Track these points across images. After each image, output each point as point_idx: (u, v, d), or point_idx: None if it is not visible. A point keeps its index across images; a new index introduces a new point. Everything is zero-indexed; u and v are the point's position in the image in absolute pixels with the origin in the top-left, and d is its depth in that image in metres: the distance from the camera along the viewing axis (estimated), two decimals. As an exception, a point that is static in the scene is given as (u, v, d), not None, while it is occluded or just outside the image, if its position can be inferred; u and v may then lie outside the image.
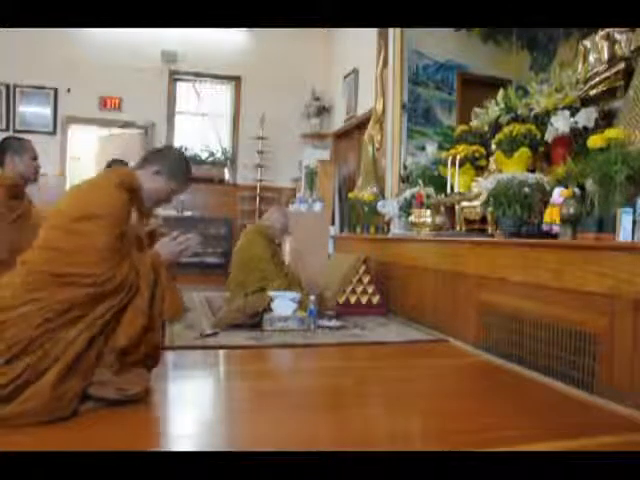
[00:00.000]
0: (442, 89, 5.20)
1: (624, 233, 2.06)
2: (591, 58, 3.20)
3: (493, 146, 3.28)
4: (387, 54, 5.26)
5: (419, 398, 2.10)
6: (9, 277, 1.72)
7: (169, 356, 2.46)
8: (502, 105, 3.45)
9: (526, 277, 2.50)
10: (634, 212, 2.06)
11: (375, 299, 3.91)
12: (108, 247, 1.70)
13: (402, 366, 2.59)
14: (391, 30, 5.12)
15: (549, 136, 2.96)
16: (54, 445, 1.44)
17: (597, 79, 3.04)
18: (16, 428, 1.52)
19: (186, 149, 7.08)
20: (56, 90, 6.68)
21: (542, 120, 3.11)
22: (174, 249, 1.96)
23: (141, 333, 1.78)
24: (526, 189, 2.75)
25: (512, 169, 3.02)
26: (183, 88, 7.27)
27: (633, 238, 2.04)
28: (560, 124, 2.87)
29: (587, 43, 3.27)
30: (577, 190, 2.40)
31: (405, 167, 4.74)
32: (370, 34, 5.77)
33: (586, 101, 3.01)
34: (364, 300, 3.89)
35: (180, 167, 2.01)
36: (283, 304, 3.22)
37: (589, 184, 2.33)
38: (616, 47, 3.01)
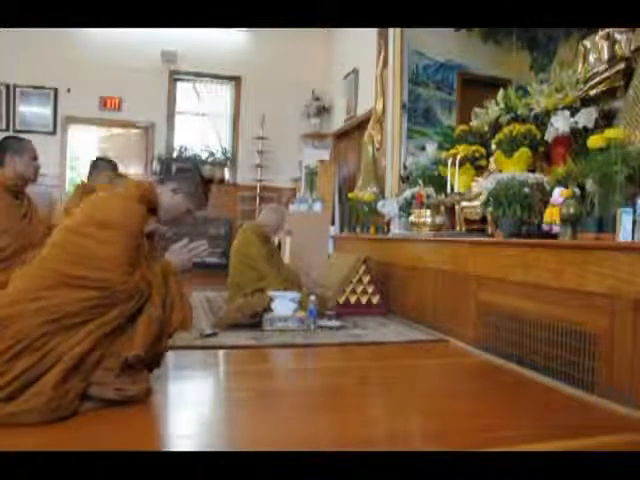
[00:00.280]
0: (442, 89, 5.20)
1: (624, 233, 2.06)
2: (591, 58, 3.20)
3: (493, 146, 3.28)
4: (387, 54, 5.26)
5: (419, 398, 2.10)
6: (22, 271, 1.75)
7: (169, 356, 2.45)
8: (502, 105, 3.45)
9: (526, 277, 2.50)
10: (634, 212, 2.06)
11: (375, 299, 3.91)
12: (123, 256, 1.73)
13: (402, 366, 2.59)
14: (391, 30, 5.13)
15: (549, 136, 2.96)
16: (54, 445, 1.44)
17: (597, 79, 3.03)
18: (16, 428, 1.51)
19: (186, 149, 7.09)
20: (56, 90, 6.68)
21: (542, 120, 3.11)
22: (184, 257, 1.98)
23: (155, 342, 1.79)
24: (526, 189, 2.75)
25: (512, 169, 3.02)
26: (183, 88, 7.28)
27: (633, 238, 2.04)
28: (560, 124, 2.87)
29: (587, 43, 3.27)
30: (577, 190, 2.40)
31: (405, 167, 4.74)
32: (370, 34, 5.77)
33: (586, 101, 3.01)
34: (364, 300, 3.89)
35: (198, 190, 2.05)
36: (283, 304, 3.22)
37: (589, 184, 2.33)
38: (616, 47, 3.01)
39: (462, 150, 3.63)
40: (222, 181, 7.14)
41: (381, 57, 5.50)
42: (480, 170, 3.66)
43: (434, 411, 1.92)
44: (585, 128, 2.81)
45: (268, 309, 3.21)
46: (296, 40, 7.11)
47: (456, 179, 3.50)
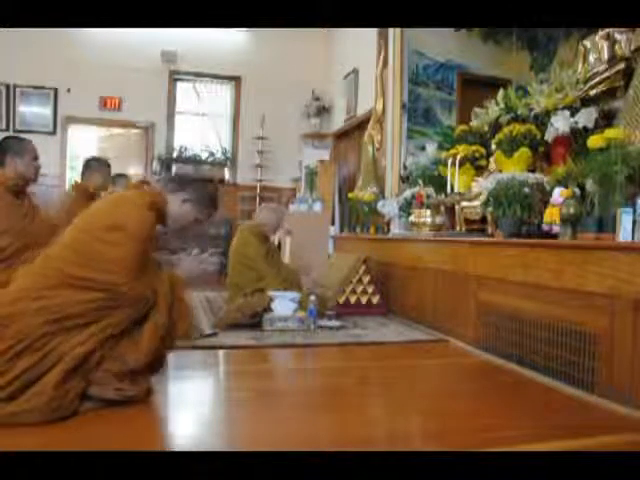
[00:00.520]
0: (442, 89, 5.20)
1: (624, 233, 2.06)
2: (591, 58, 3.20)
3: (493, 146, 3.28)
4: (387, 54, 5.26)
5: (419, 398, 2.10)
6: (25, 270, 1.76)
7: (169, 356, 2.45)
8: (502, 105, 3.45)
9: (526, 277, 2.50)
10: (634, 212, 2.06)
11: (375, 299, 3.91)
12: (131, 260, 1.73)
13: (402, 366, 2.59)
14: (391, 30, 5.13)
15: (549, 136, 2.96)
16: (54, 445, 1.44)
17: (597, 79, 3.03)
18: (16, 428, 1.51)
19: (186, 149, 7.09)
20: (56, 90, 6.68)
21: (542, 120, 3.10)
22: (194, 268, 1.98)
23: (159, 348, 1.81)
24: (526, 189, 2.75)
25: (512, 169, 3.02)
26: (183, 88, 7.27)
27: (633, 238, 2.04)
28: (560, 124, 2.87)
29: (587, 43, 3.27)
30: (577, 190, 2.40)
31: (405, 167, 4.74)
32: (370, 34, 5.77)
33: (586, 101, 3.01)
34: (364, 300, 3.89)
35: (207, 200, 2.05)
36: (283, 304, 3.22)
37: (589, 184, 2.33)
38: (616, 47, 3.01)
39: (462, 150, 3.63)
40: (222, 181, 7.14)
41: (381, 57, 5.50)
42: (480, 170, 3.66)
43: (434, 411, 1.92)
44: (585, 128, 2.81)
45: (268, 309, 3.21)
46: (296, 40, 7.10)
47: (456, 179, 3.50)
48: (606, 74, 2.99)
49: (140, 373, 1.77)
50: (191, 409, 1.89)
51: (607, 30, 3.05)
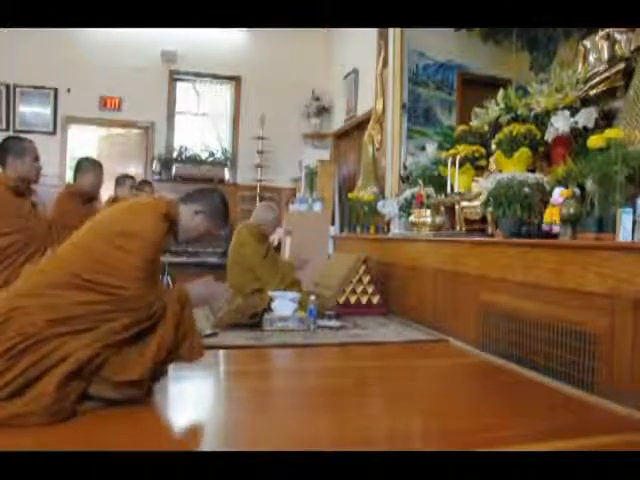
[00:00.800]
0: (442, 89, 5.20)
1: (624, 233, 2.06)
2: (591, 58, 3.20)
3: (493, 146, 3.27)
4: (387, 54, 5.26)
5: (419, 398, 2.10)
6: (33, 269, 1.78)
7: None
8: (502, 105, 3.45)
9: (526, 277, 2.50)
10: (634, 212, 2.06)
11: (375, 299, 3.91)
12: (141, 267, 1.75)
13: (402, 366, 2.59)
14: (391, 30, 5.13)
15: (549, 136, 2.96)
16: (54, 445, 1.44)
17: (597, 79, 3.03)
18: (16, 428, 1.51)
19: (186, 149, 7.09)
20: (56, 90, 6.68)
21: (542, 120, 3.10)
22: (202, 293, 1.98)
23: (163, 363, 1.82)
24: (526, 189, 2.75)
25: (512, 169, 3.02)
26: (183, 88, 7.28)
27: (633, 238, 2.04)
28: (560, 124, 2.87)
29: (587, 43, 3.27)
30: (577, 190, 2.40)
31: (405, 167, 4.74)
32: (370, 34, 5.77)
33: (586, 101, 3.01)
34: (364, 300, 3.89)
35: (220, 213, 2.07)
36: (283, 304, 3.22)
37: (589, 184, 2.33)
38: (616, 47, 3.01)
39: (462, 150, 3.63)
40: (222, 181, 7.15)
41: (381, 57, 5.51)
42: (480, 170, 3.66)
43: (434, 411, 1.92)
44: (585, 128, 2.81)
45: (268, 309, 3.21)
46: (296, 40, 7.10)
47: (456, 179, 3.50)
48: (606, 74, 2.99)
49: (139, 383, 1.76)
50: (191, 409, 1.89)
51: (607, 30, 3.05)
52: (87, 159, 3.42)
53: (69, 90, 6.70)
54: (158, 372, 1.85)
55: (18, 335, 1.59)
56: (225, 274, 3.65)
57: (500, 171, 3.19)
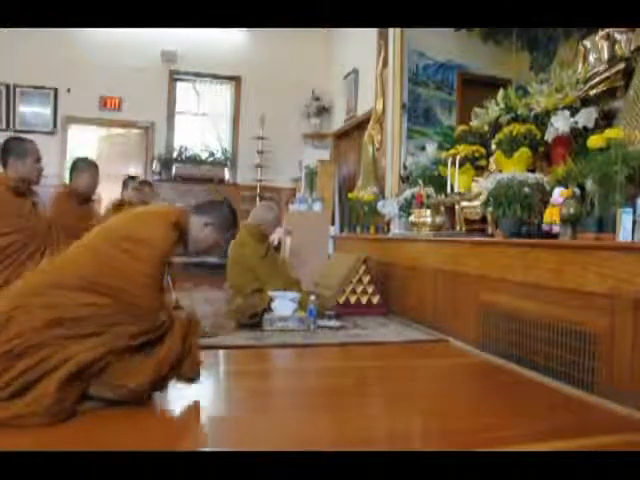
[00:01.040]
0: (442, 89, 5.20)
1: (624, 233, 2.06)
2: (591, 58, 3.20)
3: (493, 146, 3.27)
4: (387, 54, 5.27)
5: (419, 398, 2.10)
6: (35, 269, 1.79)
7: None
8: (502, 105, 3.45)
9: (526, 277, 2.49)
10: (634, 212, 2.06)
11: (375, 299, 3.91)
12: (149, 274, 1.76)
13: (402, 366, 2.59)
14: (391, 30, 5.13)
15: (549, 136, 2.96)
16: (54, 445, 1.44)
17: (597, 79, 3.03)
18: (16, 428, 1.51)
19: (186, 149, 7.09)
20: (56, 90, 6.68)
21: (542, 120, 3.10)
22: (209, 318, 2.00)
23: (167, 376, 1.82)
24: (526, 189, 2.75)
25: (512, 169, 3.02)
26: (183, 88, 7.28)
27: (633, 238, 2.04)
28: (560, 124, 2.87)
29: (587, 43, 3.27)
30: (577, 190, 2.40)
31: (405, 167, 4.74)
32: (370, 34, 5.78)
33: (586, 101, 3.01)
34: (364, 300, 3.89)
35: (229, 225, 2.08)
36: (283, 304, 3.22)
37: (589, 184, 2.33)
38: (616, 47, 3.01)
39: (462, 150, 3.63)
40: (222, 181, 7.15)
41: (381, 57, 5.51)
42: (480, 170, 3.66)
43: (434, 411, 1.92)
44: (585, 128, 2.81)
45: (268, 309, 3.21)
46: (296, 40, 7.11)
47: (456, 179, 3.50)
48: (606, 74, 2.99)
49: (139, 392, 1.76)
50: (191, 409, 1.88)
51: (607, 30, 3.05)
52: (83, 159, 3.41)
53: (69, 90, 6.70)
54: (158, 385, 1.85)
55: (17, 338, 1.58)
56: (225, 274, 3.65)
57: (500, 171, 3.19)
